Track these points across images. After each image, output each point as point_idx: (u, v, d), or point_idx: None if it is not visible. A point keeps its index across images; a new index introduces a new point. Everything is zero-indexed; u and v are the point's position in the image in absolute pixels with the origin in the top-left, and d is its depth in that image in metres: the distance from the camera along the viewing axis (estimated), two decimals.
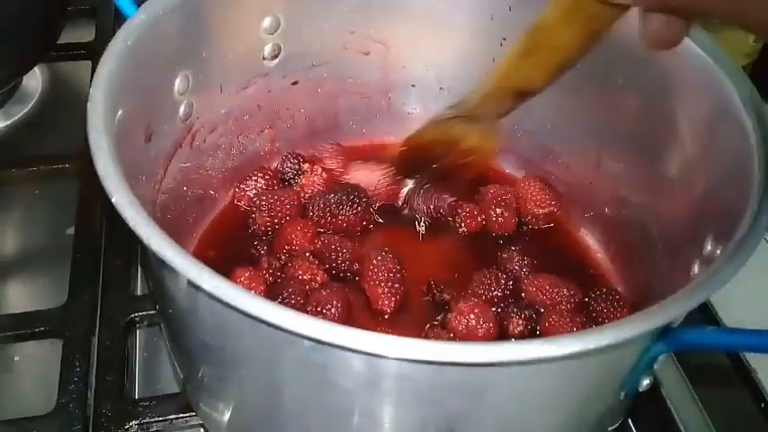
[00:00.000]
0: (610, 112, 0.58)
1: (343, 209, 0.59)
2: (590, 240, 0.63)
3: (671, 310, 0.35)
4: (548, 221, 0.63)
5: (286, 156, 0.64)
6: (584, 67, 0.58)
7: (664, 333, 0.38)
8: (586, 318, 0.55)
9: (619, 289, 0.59)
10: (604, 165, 0.61)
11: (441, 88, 0.66)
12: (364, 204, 0.60)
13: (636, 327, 0.34)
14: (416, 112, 0.68)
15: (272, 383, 0.41)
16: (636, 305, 0.56)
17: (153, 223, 0.36)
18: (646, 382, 0.42)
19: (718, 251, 0.42)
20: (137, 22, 0.46)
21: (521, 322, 0.54)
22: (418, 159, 0.61)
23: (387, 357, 0.33)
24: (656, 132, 0.55)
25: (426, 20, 0.61)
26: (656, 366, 0.41)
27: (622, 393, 0.42)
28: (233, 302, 0.32)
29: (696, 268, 0.47)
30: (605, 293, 0.56)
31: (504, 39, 0.61)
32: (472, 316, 0.52)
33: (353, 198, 0.60)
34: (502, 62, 0.50)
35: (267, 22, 0.56)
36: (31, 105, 0.79)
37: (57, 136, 0.75)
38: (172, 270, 0.35)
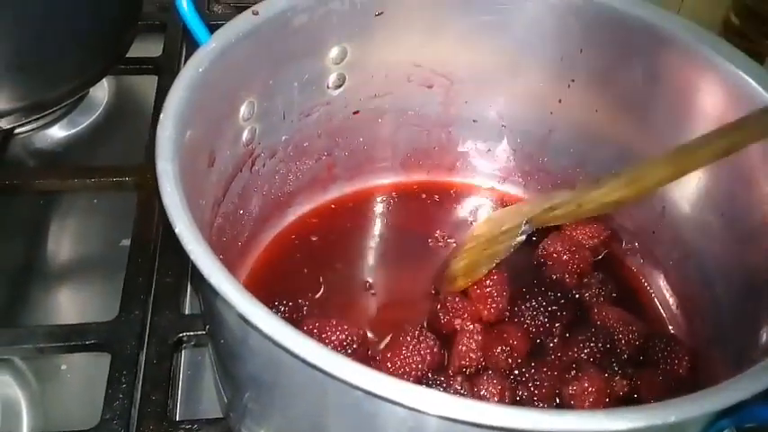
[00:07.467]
0: None
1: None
2: (653, 285, 0.61)
3: (739, 392, 0.34)
4: (603, 251, 0.62)
5: None
6: (649, 116, 0.57)
7: (730, 408, 0.36)
8: (643, 358, 0.54)
9: (682, 336, 0.57)
10: (669, 215, 0.59)
11: (502, 125, 0.65)
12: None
13: (700, 406, 0.33)
14: (476, 148, 0.67)
15: (318, 424, 0.40)
16: (697, 355, 0.54)
17: (215, 258, 0.35)
18: None
19: None
20: (209, 49, 0.47)
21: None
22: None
23: (428, 414, 0.32)
24: (726, 184, 0.53)
25: (494, 57, 0.60)
26: None
27: None
28: (292, 348, 0.32)
29: (766, 335, 0.45)
30: (665, 341, 0.54)
31: (573, 80, 0.59)
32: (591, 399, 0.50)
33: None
34: (594, 196, 0.51)
35: (335, 51, 0.56)
36: (95, 116, 0.81)
37: (119, 148, 0.76)
38: (227, 303, 0.34)
